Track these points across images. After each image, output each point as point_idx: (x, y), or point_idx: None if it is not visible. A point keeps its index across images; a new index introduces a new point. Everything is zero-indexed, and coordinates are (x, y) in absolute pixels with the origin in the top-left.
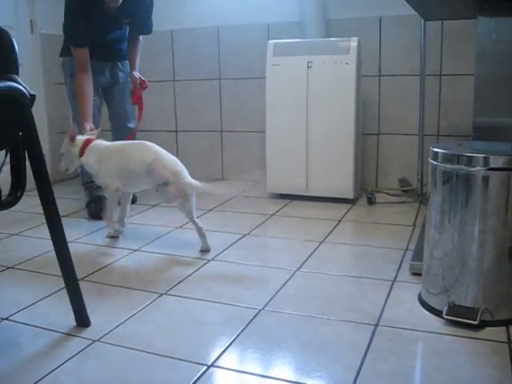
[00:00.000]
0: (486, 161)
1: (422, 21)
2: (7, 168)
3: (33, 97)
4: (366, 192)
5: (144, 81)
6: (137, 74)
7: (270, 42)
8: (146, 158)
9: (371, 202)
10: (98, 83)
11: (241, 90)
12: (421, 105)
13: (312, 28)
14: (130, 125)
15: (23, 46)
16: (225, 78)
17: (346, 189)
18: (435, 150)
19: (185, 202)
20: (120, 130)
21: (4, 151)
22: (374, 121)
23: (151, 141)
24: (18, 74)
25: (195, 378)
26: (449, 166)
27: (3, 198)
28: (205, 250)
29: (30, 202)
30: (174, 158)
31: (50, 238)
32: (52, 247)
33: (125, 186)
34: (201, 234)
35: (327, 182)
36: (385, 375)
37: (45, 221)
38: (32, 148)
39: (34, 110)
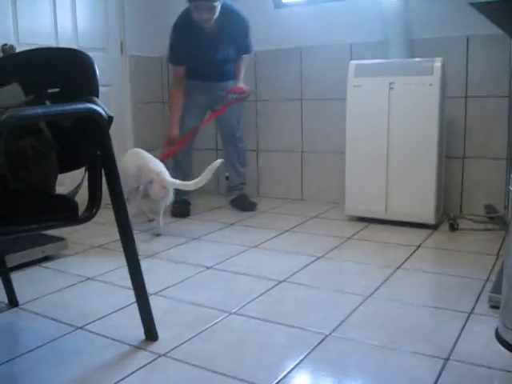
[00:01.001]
0: None
1: (511, 40)
2: (84, 185)
3: (111, 118)
4: (448, 217)
5: (242, 90)
6: (240, 84)
7: (351, 62)
8: (137, 161)
9: (453, 228)
10: (202, 102)
11: (322, 111)
12: (509, 127)
13: (395, 48)
14: (237, 134)
15: (113, 66)
16: (306, 99)
17: (427, 214)
18: None
19: (164, 197)
20: (227, 140)
21: (83, 169)
22: (460, 144)
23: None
24: (97, 96)
25: None
26: None
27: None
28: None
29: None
30: (158, 162)
31: None
32: None
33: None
34: (158, 222)
35: (407, 206)
36: None
37: None
38: (108, 166)
39: (121, 127)
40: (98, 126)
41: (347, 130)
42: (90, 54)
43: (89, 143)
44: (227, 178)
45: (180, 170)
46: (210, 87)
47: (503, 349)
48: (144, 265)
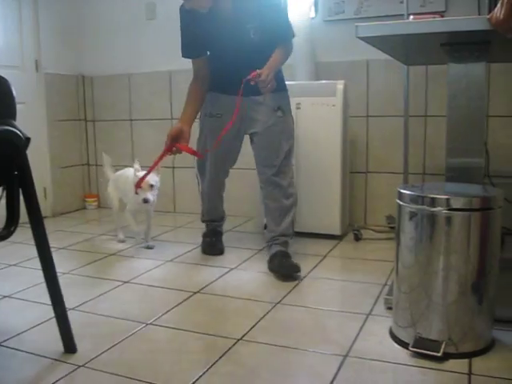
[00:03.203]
0: (447, 202)
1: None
2: (2, 204)
3: (27, 140)
4: (352, 228)
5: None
6: (264, 70)
7: None
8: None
9: (358, 238)
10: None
11: None
12: (405, 144)
13: (303, 71)
14: (274, 168)
15: (28, 84)
16: None
17: (333, 225)
18: (401, 191)
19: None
20: (262, 180)
21: (0, 189)
22: (363, 159)
23: None
24: (15, 119)
25: None
26: (414, 206)
27: None
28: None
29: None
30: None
31: None
32: None
33: None
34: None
35: (315, 219)
36: None
37: None
38: (26, 186)
39: (36, 145)
40: (16, 148)
41: None
42: (4, 71)
43: (6, 164)
44: (265, 226)
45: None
46: (233, 103)
47: (395, 344)
48: (61, 281)
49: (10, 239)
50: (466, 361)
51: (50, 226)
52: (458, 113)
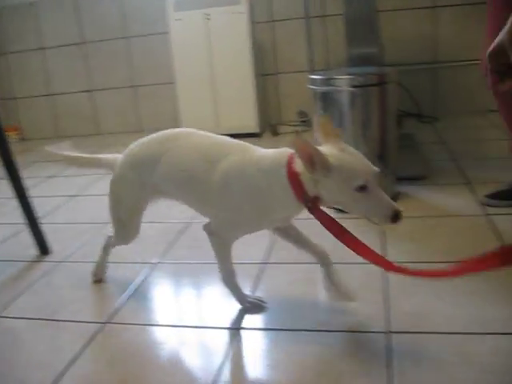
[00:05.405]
0: (350, 81)
1: None
2: None
3: None
4: (269, 125)
5: None
6: None
7: None
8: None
9: (275, 133)
10: None
11: (147, 47)
12: (307, 44)
13: None
14: None
15: None
16: (131, 36)
17: (252, 124)
18: (313, 77)
19: None
20: None
21: None
22: (272, 62)
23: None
24: None
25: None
26: (324, 88)
27: None
28: None
29: None
30: None
31: None
32: None
33: None
34: None
35: (235, 120)
36: None
37: None
38: None
39: None
40: None
41: (174, 61)
42: None
43: None
44: None
45: None
46: None
47: None
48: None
49: None
50: None
51: None
52: (354, 11)
